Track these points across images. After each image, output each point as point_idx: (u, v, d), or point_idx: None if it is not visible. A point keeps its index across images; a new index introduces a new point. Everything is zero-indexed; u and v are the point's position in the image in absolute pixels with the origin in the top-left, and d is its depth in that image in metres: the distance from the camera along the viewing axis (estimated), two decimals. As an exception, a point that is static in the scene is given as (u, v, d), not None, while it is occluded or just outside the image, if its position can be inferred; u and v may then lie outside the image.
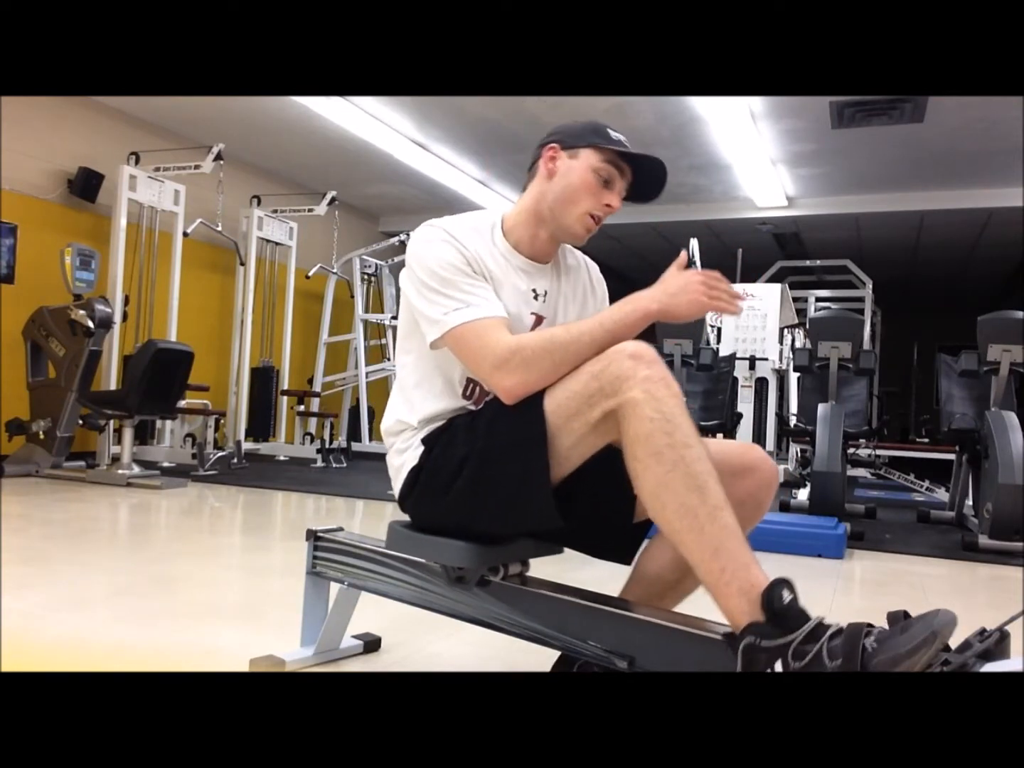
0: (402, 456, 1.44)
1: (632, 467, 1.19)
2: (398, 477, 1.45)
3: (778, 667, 1.04)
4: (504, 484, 1.29)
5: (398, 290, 8.94)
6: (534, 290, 1.45)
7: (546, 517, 1.27)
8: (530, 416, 1.27)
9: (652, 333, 4.66)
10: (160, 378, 4.85)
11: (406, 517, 1.51)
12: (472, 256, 1.38)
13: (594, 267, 1.61)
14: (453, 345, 1.35)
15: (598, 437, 1.26)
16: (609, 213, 1.42)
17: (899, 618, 1.06)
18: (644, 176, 1.44)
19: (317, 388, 7.88)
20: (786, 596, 1.08)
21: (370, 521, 4.19)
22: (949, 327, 10.15)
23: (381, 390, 8.59)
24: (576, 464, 1.29)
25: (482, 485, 1.31)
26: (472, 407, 1.42)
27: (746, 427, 6.44)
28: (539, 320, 1.46)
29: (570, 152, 1.41)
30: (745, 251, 7.61)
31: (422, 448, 1.41)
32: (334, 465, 6.64)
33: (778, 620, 1.06)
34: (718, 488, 1.14)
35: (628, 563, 1.47)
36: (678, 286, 1.28)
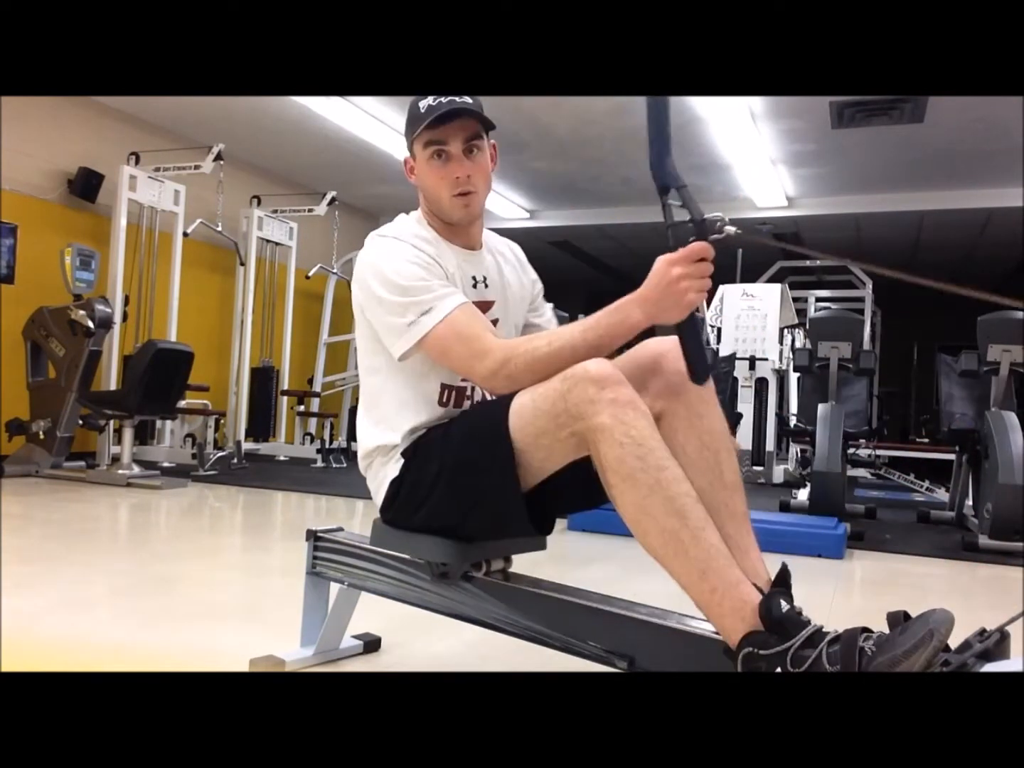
0: (384, 468, 1.45)
1: (609, 493, 1.19)
2: (380, 489, 1.46)
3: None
4: (477, 499, 1.32)
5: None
6: (473, 277, 1.46)
7: (521, 529, 1.32)
8: (495, 437, 1.26)
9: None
10: (160, 378, 4.85)
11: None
12: (430, 253, 1.39)
13: (520, 251, 1.62)
14: (433, 349, 1.34)
15: (570, 451, 1.24)
16: (467, 182, 1.39)
17: (899, 619, 1.06)
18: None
19: (317, 388, 7.88)
20: (784, 605, 1.07)
21: (370, 521, 4.19)
22: (949, 327, 10.14)
23: (381, 390, 8.58)
24: (550, 472, 1.29)
25: (455, 499, 1.34)
26: (452, 409, 1.44)
27: (746, 427, 6.44)
28: (487, 306, 1.46)
29: (413, 155, 1.45)
30: (745, 251, 7.60)
31: (402, 461, 1.42)
32: (334, 465, 6.64)
33: (778, 628, 1.06)
34: (698, 508, 1.13)
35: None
36: (660, 290, 1.19)
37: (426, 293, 1.33)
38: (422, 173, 1.43)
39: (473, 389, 1.45)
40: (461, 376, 1.41)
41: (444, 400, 1.44)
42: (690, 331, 1.23)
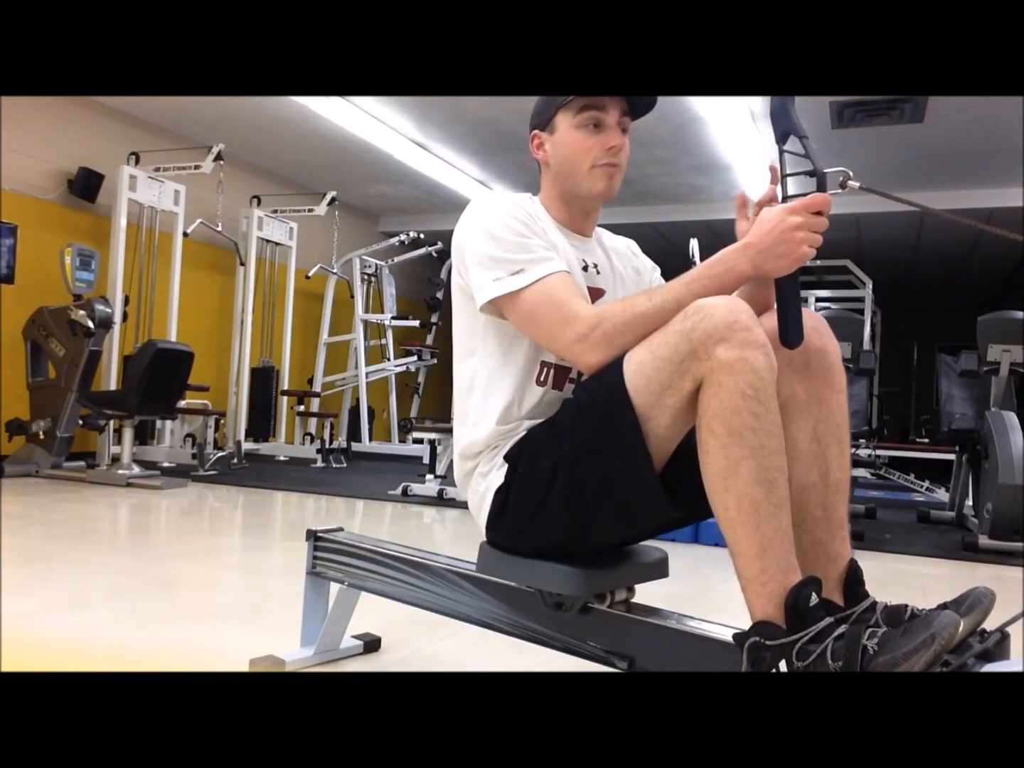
0: (486, 479, 1.31)
1: (705, 439, 1.09)
2: (484, 503, 1.31)
3: (782, 667, 1.03)
4: (603, 488, 1.17)
5: (398, 290, 8.85)
6: (584, 260, 1.37)
7: (660, 510, 1.16)
8: (615, 406, 1.14)
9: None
10: (160, 378, 4.85)
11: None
12: (532, 217, 1.31)
13: (635, 246, 1.54)
14: (517, 314, 1.24)
15: (694, 414, 1.11)
16: (617, 153, 1.32)
17: (900, 612, 1.07)
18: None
19: (317, 388, 7.89)
20: (813, 598, 1.05)
21: (370, 521, 4.19)
22: (949, 327, 10.15)
23: (381, 390, 8.59)
24: (675, 444, 1.16)
25: (579, 494, 1.19)
26: (552, 391, 1.31)
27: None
28: (598, 293, 1.36)
29: (549, 128, 1.36)
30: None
31: (505, 466, 1.28)
32: (334, 465, 6.64)
33: (797, 621, 1.04)
34: (785, 486, 1.08)
35: None
36: (773, 237, 1.12)
37: (522, 252, 1.24)
38: (564, 142, 1.33)
39: (579, 373, 1.30)
40: (548, 349, 1.27)
41: (542, 379, 1.30)
42: (790, 288, 1.16)
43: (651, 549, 1.41)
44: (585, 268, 1.37)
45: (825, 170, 1.16)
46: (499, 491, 1.28)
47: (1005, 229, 1.28)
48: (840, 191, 1.17)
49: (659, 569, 1.39)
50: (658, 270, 1.53)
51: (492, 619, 1.42)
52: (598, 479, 1.17)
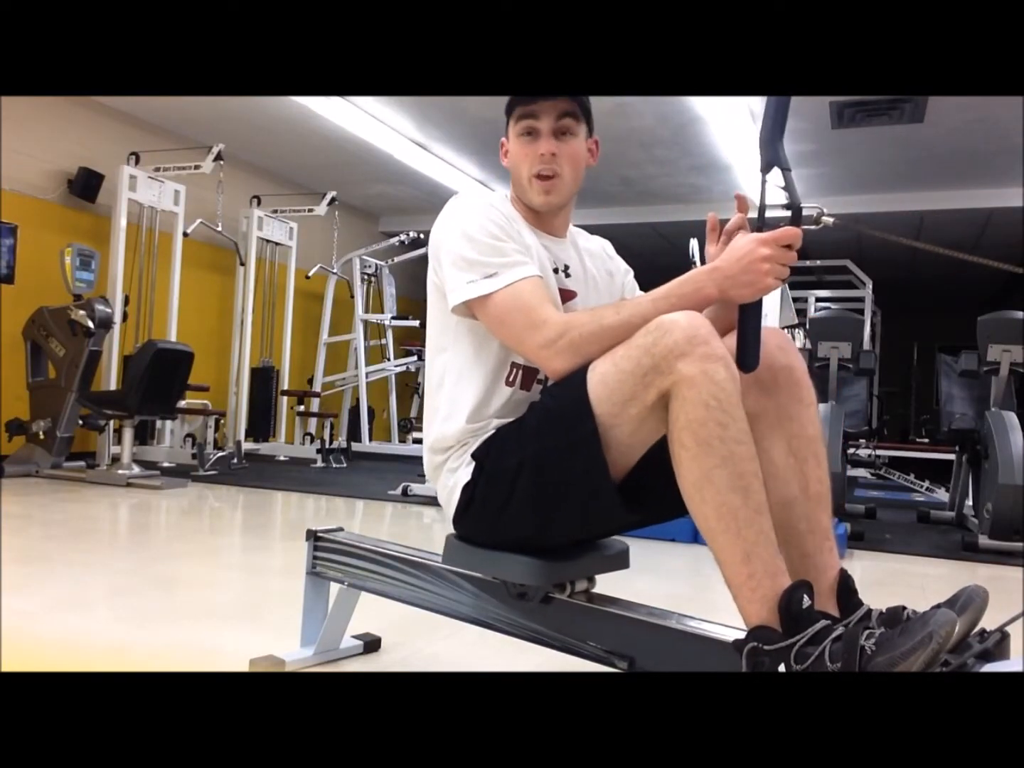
0: (454, 475, 1.35)
1: (677, 452, 1.12)
2: (452, 498, 1.36)
3: (781, 670, 1.03)
4: (563, 491, 1.21)
5: (398, 290, 8.83)
6: (555, 263, 1.40)
7: (616, 515, 1.21)
8: (577, 413, 1.17)
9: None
10: (160, 378, 4.85)
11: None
12: (508, 219, 1.34)
13: (610, 247, 1.57)
14: (488, 317, 1.27)
15: (659, 423, 1.15)
16: (549, 161, 1.35)
17: (897, 613, 1.07)
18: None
19: (317, 388, 7.88)
20: (805, 601, 1.06)
21: (370, 521, 4.19)
22: (949, 327, 10.14)
23: (381, 390, 8.59)
24: (640, 452, 1.20)
25: (542, 494, 1.23)
26: (520, 391, 1.35)
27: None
28: (569, 295, 1.39)
29: (508, 135, 1.41)
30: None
31: (473, 464, 1.32)
32: (334, 465, 6.64)
33: (791, 624, 1.05)
34: (761, 490, 1.10)
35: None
36: (741, 265, 1.16)
37: (496, 255, 1.27)
38: (511, 150, 1.39)
39: (546, 376, 1.33)
40: (517, 352, 1.30)
41: (511, 380, 1.34)
42: (753, 314, 1.19)
43: (612, 541, 1.45)
44: (556, 271, 1.39)
45: (801, 205, 1.19)
46: (466, 487, 1.32)
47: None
48: (814, 227, 1.20)
49: (619, 561, 1.42)
50: (631, 273, 1.56)
51: (492, 619, 1.42)
52: (560, 482, 1.22)
